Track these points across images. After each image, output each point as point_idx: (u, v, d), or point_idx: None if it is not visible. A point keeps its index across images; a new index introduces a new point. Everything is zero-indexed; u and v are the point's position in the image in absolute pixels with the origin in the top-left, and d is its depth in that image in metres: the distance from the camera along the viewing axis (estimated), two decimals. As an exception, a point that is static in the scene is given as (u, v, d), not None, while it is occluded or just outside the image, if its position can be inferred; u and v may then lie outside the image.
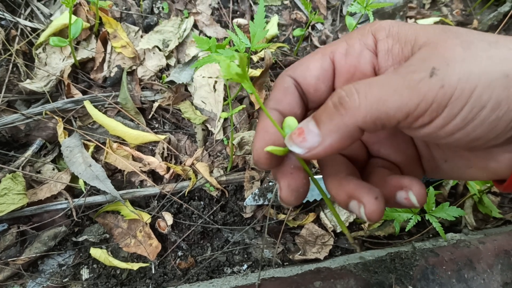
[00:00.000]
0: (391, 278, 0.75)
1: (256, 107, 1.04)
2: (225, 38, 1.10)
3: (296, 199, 0.38)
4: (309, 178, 0.39)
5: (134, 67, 1.00)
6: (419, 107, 0.31)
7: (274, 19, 1.14)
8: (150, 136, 0.97)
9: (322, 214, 1.00)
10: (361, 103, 0.31)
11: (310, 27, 1.18)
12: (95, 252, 0.89)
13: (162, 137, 0.98)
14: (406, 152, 0.44)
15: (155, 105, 0.99)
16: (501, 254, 0.84)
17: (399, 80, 0.31)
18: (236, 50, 0.79)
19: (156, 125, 1.02)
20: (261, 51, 1.10)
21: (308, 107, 0.42)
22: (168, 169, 0.96)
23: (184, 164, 0.97)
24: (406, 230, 0.90)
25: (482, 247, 0.84)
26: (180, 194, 0.95)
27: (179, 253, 0.94)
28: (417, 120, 0.32)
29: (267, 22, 1.14)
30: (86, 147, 0.94)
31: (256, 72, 1.05)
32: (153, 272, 0.91)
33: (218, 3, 1.12)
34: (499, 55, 0.31)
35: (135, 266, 0.89)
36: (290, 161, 0.39)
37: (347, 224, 1.01)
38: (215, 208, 0.96)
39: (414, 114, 0.31)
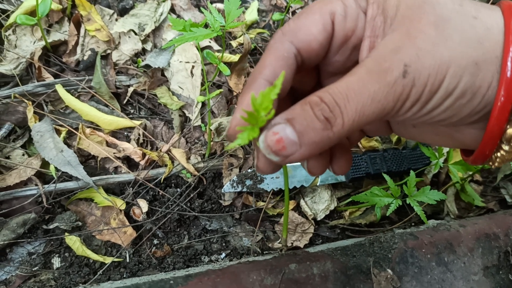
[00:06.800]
0: (369, 261, 0.73)
1: (235, 93, 1.02)
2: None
3: (273, 169, 0.37)
4: None
5: (108, 51, 0.97)
6: (395, 107, 0.32)
7: (254, 4, 1.12)
8: (125, 122, 0.94)
9: (302, 202, 0.98)
10: (344, 121, 0.31)
11: (290, 12, 1.16)
12: (70, 240, 0.85)
13: (138, 122, 0.95)
14: None
15: (130, 90, 0.97)
16: (482, 238, 0.82)
17: (374, 85, 0.31)
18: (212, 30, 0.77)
19: (132, 111, 0.99)
20: (240, 36, 1.08)
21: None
22: (144, 155, 0.93)
23: (160, 151, 0.95)
24: (387, 214, 0.88)
25: (462, 231, 0.82)
26: (156, 181, 0.93)
27: (155, 241, 0.91)
28: (392, 116, 0.33)
29: (247, 8, 1.12)
30: (58, 132, 0.91)
31: (235, 58, 1.02)
32: (128, 261, 0.88)
33: (197, -12, 1.10)
34: (473, 38, 0.31)
35: (107, 259, 0.86)
36: None
37: (327, 212, 0.99)
38: (192, 195, 0.93)
39: (391, 114, 0.32)
